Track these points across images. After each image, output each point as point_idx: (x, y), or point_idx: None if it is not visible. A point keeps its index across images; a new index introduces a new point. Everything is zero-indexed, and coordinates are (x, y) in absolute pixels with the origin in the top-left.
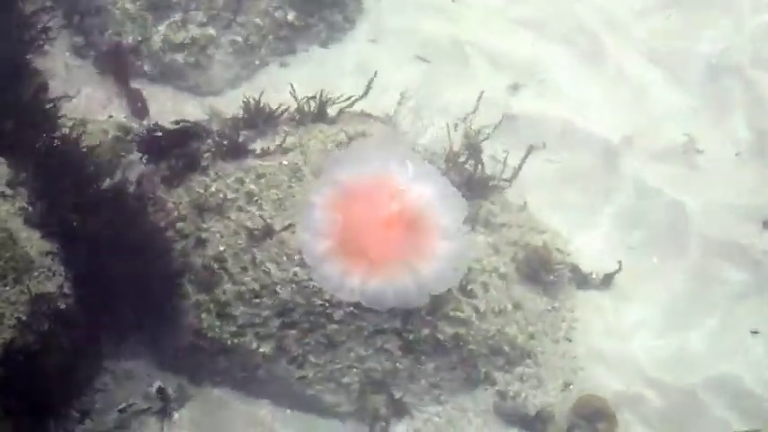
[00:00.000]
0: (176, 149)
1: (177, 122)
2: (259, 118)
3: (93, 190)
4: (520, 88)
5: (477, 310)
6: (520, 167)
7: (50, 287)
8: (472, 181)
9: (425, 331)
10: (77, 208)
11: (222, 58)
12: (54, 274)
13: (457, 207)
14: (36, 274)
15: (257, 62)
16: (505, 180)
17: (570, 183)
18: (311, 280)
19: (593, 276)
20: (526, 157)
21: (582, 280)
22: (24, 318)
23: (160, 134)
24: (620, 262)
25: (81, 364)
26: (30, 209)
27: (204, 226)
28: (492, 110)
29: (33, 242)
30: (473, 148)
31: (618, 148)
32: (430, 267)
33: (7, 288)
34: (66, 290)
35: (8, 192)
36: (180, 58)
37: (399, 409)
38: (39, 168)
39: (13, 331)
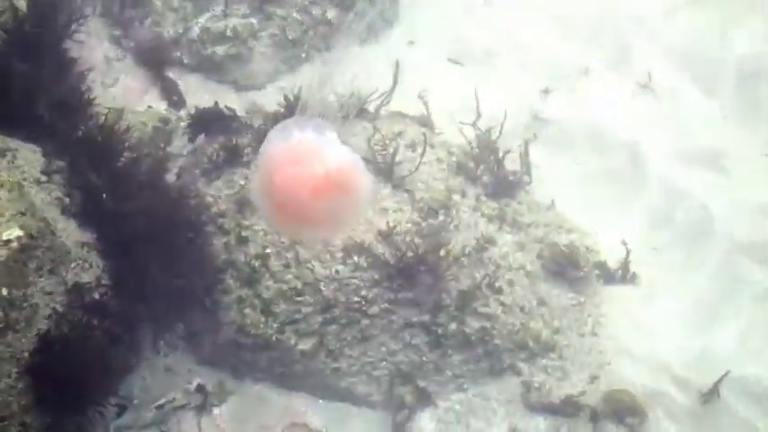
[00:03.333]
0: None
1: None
2: (299, 114)
3: (129, 181)
4: (550, 92)
5: (502, 304)
6: (527, 162)
7: (87, 278)
8: (498, 180)
9: (453, 326)
10: (114, 199)
11: (263, 51)
12: (91, 265)
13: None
14: (73, 265)
15: (302, 55)
16: (525, 174)
17: (597, 183)
18: (353, 278)
19: (620, 273)
20: (526, 148)
21: (609, 276)
22: (60, 309)
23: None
24: (626, 247)
25: (117, 355)
26: (66, 199)
27: (246, 223)
28: (521, 113)
29: (70, 232)
30: (489, 149)
31: (645, 150)
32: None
33: (43, 278)
34: (103, 281)
35: (43, 179)
36: (220, 50)
37: (424, 398)
38: (75, 158)
39: (49, 322)
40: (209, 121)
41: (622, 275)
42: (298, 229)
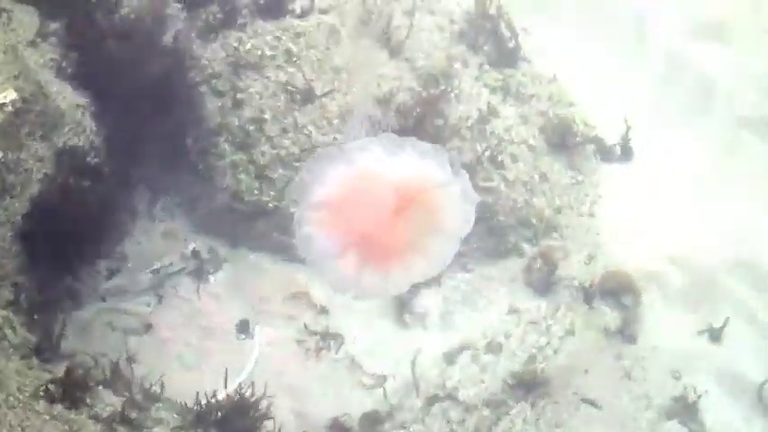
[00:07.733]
0: None
1: None
2: None
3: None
4: None
5: (505, 179)
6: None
7: (79, 141)
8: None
9: None
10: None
11: None
12: (84, 129)
13: (438, 155)
14: (66, 129)
15: None
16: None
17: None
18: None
19: (617, 149)
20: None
21: (606, 153)
22: (50, 172)
23: None
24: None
25: (110, 219)
26: (63, 61)
27: (241, 85)
28: None
29: (65, 95)
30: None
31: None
32: (451, 219)
33: (35, 142)
34: (96, 144)
35: (38, 41)
36: None
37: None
38: (72, 17)
39: (40, 185)
40: None
41: (621, 151)
42: (384, 268)
